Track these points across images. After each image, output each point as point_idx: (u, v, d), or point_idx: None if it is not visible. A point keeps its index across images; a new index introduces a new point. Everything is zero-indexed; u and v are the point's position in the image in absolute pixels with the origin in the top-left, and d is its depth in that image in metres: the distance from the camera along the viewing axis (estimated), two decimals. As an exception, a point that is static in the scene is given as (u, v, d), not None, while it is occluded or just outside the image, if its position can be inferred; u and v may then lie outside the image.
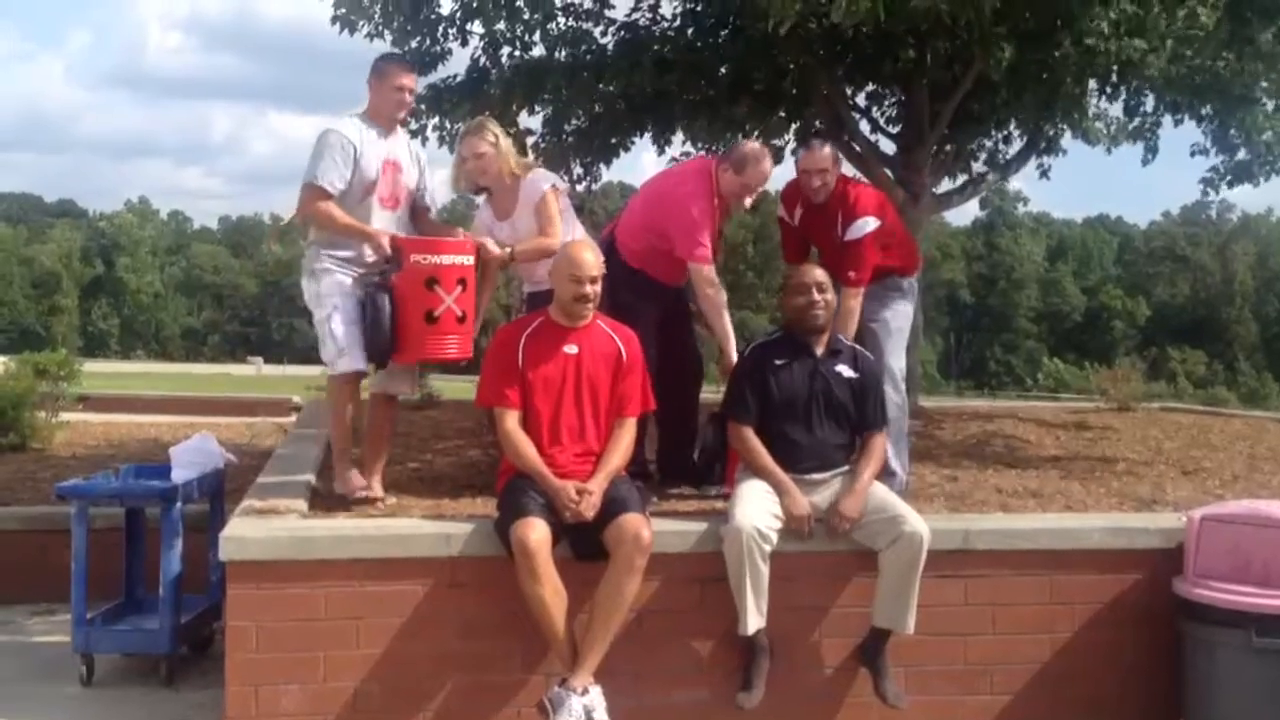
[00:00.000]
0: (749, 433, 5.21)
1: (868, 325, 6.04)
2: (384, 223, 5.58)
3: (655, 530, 4.80)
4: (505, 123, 9.77)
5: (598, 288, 5.06)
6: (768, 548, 4.83)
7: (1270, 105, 9.23)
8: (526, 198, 5.82)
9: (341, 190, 5.46)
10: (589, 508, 4.73)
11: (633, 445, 5.15)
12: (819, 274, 5.31)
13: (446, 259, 5.41)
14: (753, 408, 5.22)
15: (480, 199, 6.13)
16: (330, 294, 5.51)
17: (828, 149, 6.08)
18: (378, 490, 5.65)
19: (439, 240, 5.53)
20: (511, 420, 4.96)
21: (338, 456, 5.70)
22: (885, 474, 5.64)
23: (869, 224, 6.00)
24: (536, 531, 4.59)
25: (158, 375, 44.89)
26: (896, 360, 6.11)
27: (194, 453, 6.13)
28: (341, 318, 5.48)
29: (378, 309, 5.36)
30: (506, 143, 5.88)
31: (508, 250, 5.71)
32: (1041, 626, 5.27)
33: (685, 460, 6.21)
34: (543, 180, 5.87)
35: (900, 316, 6.20)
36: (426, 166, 5.90)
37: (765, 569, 4.83)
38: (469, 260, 5.50)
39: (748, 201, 6.16)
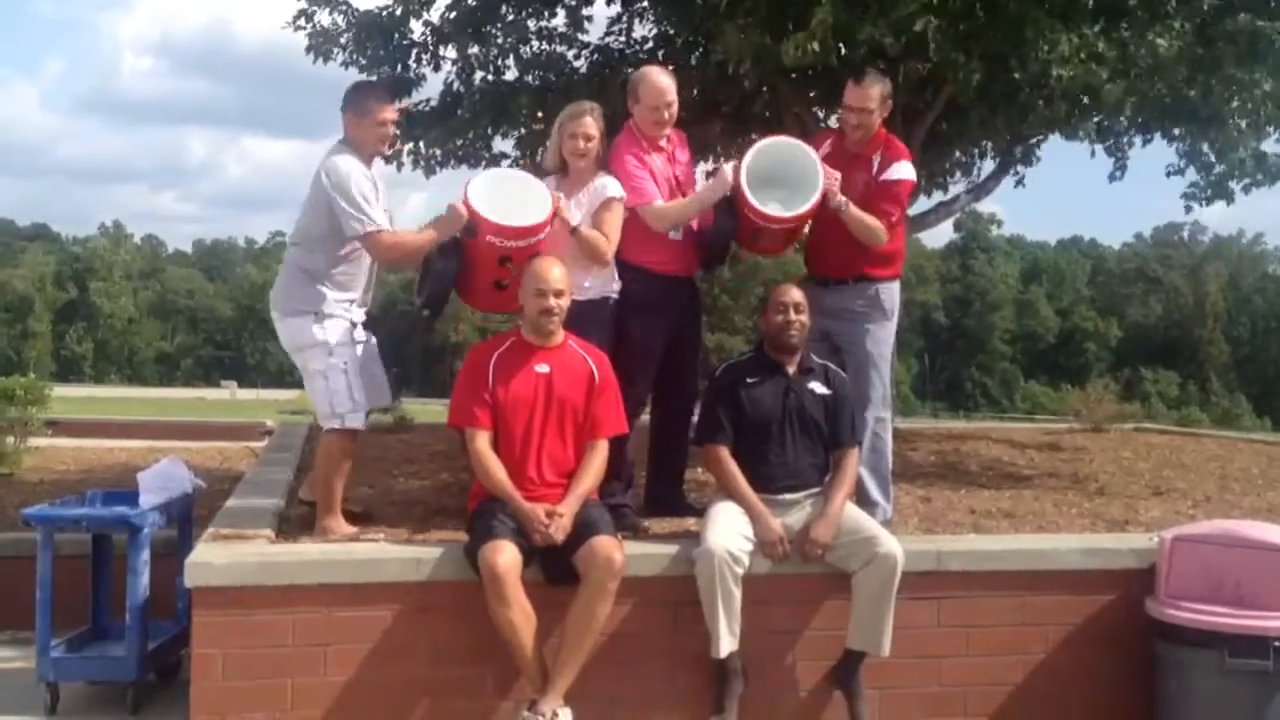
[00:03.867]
0: (725, 454, 5.19)
1: (848, 352, 5.83)
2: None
3: (627, 553, 4.77)
4: (478, 146, 9.82)
5: (563, 301, 5.03)
6: (740, 570, 4.82)
7: (1244, 123, 9.27)
8: (594, 190, 5.60)
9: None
10: (559, 530, 4.70)
11: (604, 467, 5.11)
12: (797, 295, 5.31)
13: (522, 242, 5.26)
14: (728, 429, 5.21)
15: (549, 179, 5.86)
16: (343, 343, 5.40)
17: (877, 88, 5.76)
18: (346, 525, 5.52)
19: (514, 228, 5.25)
20: (482, 441, 4.94)
21: (328, 509, 5.43)
22: (867, 504, 5.64)
23: (908, 170, 5.83)
24: (504, 555, 4.56)
25: (131, 400, 44.65)
26: (878, 391, 5.85)
27: (162, 478, 6.06)
28: (356, 371, 5.41)
29: (444, 269, 5.36)
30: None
31: (573, 225, 5.46)
32: (1015, 648, 5.27)
33: (676, 495, 6.13)
34: (616, 188, 5.62)
35: (882, 343, 5.91)
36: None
37: (737, 592, 4.81)
38: (542, 236, 5.32)
39: (667, 116, 5.73)
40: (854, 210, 5.61)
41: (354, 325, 5.48)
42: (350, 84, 5.75)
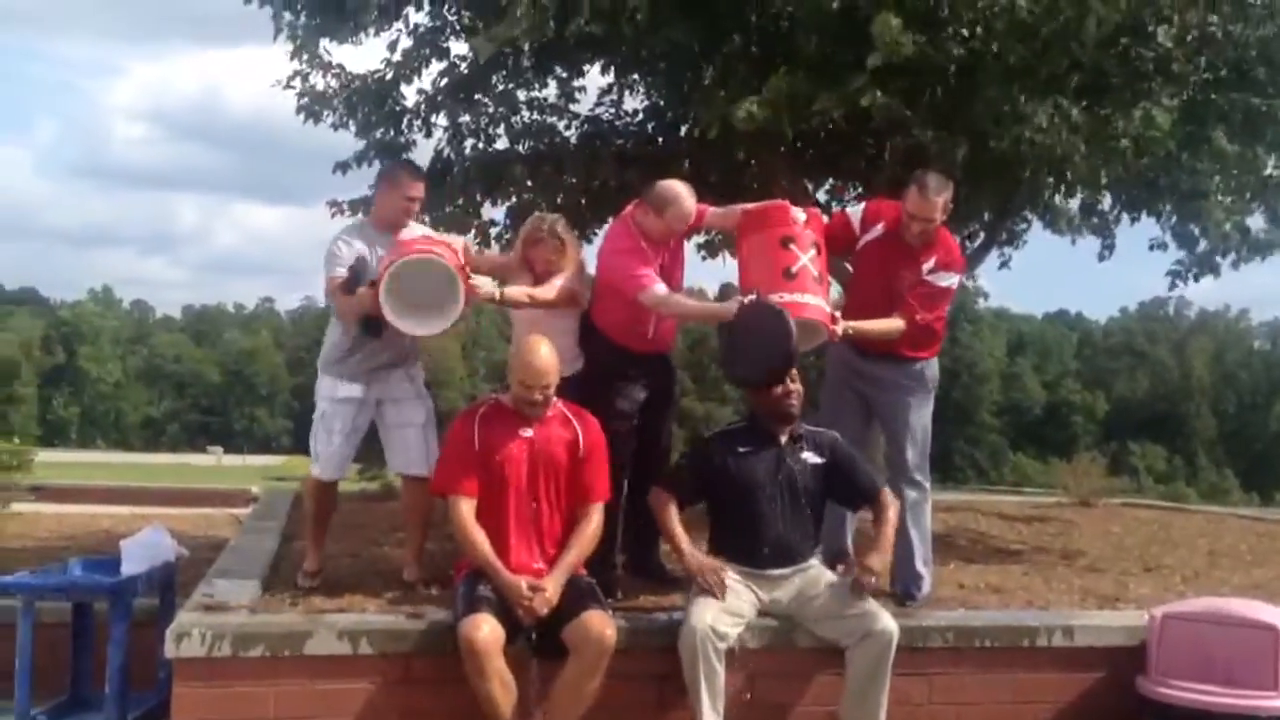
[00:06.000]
0: (671, 502, 5.21)
1: (891, 425, 5.87)
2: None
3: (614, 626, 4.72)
4: (469, 212, 9.84)
5: (550, 393, 5.00)
6: (723, 646, 4.78)
7: (1228, 200, 9.33)
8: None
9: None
10: (543, 604, 4.65)
11: (598, 536, 5.07)
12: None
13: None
14: (687, 489, 5.26)
15: None
16: (332, 398, 5.65)
17: (942, 197, 5.63)
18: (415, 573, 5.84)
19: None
20: (465, 509, 4.90)
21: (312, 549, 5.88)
22: (909, 574, 5.70)
23: (956, 279, 5.89)
24: (484, 629, 4.51)
25: (116, 465, 44.37)
26: (913, 462, 5.82)
27: (144, 546, 6.00)
28: (341, 426, 5.63)
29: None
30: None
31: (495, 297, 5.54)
32: (1005, 725, 5.22)
33: (652, 559, 6.09)
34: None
35: (923, 416, 5.88)
36: None
37: (721, 668, 4.77)
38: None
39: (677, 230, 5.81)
40: (863, 328, 5.57)
41: (361, 391, 5.64)
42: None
